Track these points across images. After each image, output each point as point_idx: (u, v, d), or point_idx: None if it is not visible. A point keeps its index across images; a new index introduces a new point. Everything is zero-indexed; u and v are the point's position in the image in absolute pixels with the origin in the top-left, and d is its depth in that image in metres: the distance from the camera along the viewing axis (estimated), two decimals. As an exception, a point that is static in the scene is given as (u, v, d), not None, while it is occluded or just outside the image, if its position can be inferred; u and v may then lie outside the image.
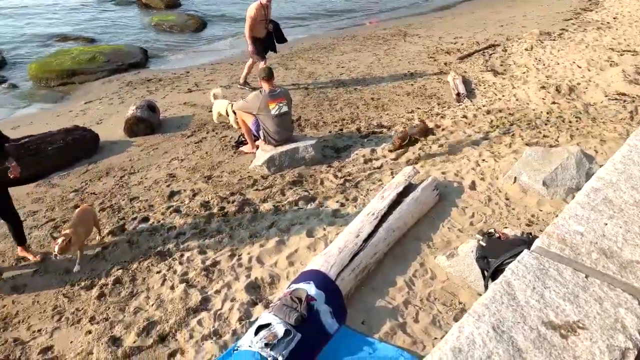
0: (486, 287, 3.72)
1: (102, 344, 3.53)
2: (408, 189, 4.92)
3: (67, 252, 4.24)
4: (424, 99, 8.67)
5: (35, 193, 6.04)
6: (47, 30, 15.28)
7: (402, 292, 3.91)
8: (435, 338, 3.46)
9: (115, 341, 3.57)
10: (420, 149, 6.46)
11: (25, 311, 3.96)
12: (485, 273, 3.74)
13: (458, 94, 8.57)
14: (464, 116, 7.56)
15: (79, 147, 7.04)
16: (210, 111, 8.62)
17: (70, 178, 6.43)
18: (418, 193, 4.85)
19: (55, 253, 4.15)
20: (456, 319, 3.58)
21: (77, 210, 4.80)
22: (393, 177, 5.41)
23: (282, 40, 9.51)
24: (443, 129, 7.11)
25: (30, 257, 4.63)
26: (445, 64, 10.75)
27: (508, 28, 13.72)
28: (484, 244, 3.86)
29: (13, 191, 5.85)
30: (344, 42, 13.45)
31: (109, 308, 3.93)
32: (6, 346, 3.59)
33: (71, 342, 3.61)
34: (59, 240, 4.17)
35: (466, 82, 9.22)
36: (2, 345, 3.60)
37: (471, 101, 8.33)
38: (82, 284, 4.23)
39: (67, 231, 4.28)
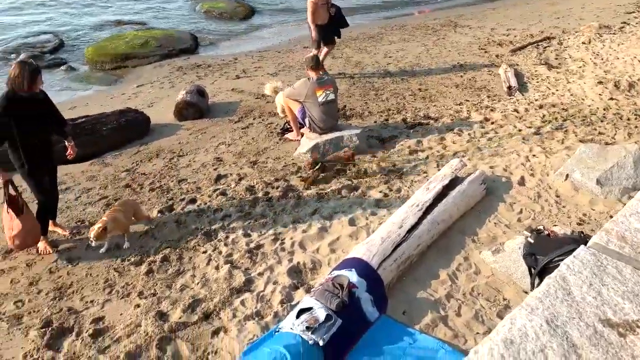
0: (533, 284, 3.63)
1: (149, 317, 3.67)
2: (454, 182, 4.84)
3: (102, 239, 4.37)
4: (474, 91, 8.47)
5: (90, 171, 6.29)
6: (103, 16, 15.80)
7: (444, 285, 3.87)
8: (478, 333, 3.41)
9: (162, 316, 3.70)
10: (468, 141, 6.33)
11: (78, 282, 4.15)
12: (533, 270, 3.64)
13: (509, 87, 8.33)
14: (515, 110, 7.35)
15: (131, 128, 7.29)
16: (257, 98, 8.74)
17: (123, 158, 6.67)
18: (465, 186, 4.77)
19: (92, 239, 4.30)
20: (500, 316, 3.52)
21: (119, 201, 4.99)
22: (439, 170, 5.33)
23: (345, 24, 9.34)
24: (492, 123, 6.94)
25: (60, 230, 4.86)
26: (497, 56, 10.45)
27: (565, 20, 13.19)
28: (532, 241, 3.76)
29: (69, 168, 6.15)
30: (392, 32, 13.28)
31: (157, 284, 4.07)
32: (61, 314, 3.78)
33: (121, 315, 3.76)
34: (95, 227, 4.32)
35: (518, 75, 8.95)
36: (57, 313, 3.79)
37: (523, 95, 8.08)
38: (132, 259, 4.39)
39: (105, 219, 4.43)
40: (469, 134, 6.62)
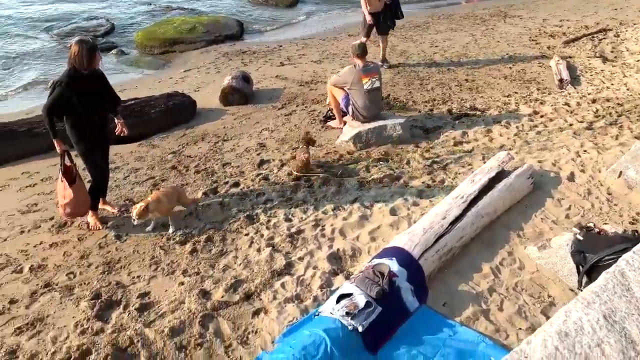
0: (580, 282, 3.53)
1: (193, 295, 3.77)
2: (501, 175, 4.74)
3: (143, 218, 4.47)
4: (523, 84, 8.23)
5: (138, 152, 6.49)
6: (153, 1, 16.14)
7: (487, 279, 3.80)
8: (520, 329, 3.34)
9: (205, 294, 3.79)
10: (516, 134, 6.16)
11: (126, 258, 4.31)
12: (581, 268, 3.54)
13: (561, 80, 8.05)
14: (566, 104, 7.10)
15: (178, 112, 7.45)
16: (301, 85, 8.76)
17: (169, 140, 6.83)
18: (511, 180, 4.66)
19: (134, 218, 4.43)
20: (544, 313, 3.44)
21: (165, 186, 5.12)
22: (484, 162, 5.22)
23: (400, 15, 9.20)
24: (542, 116, 6.73)
25: (109, 208, 5.03)
26: (549, 47, 10.11)
27: (623, 12, 12.60)
28: (580, 238, 3.65)
29: (119, 149, 6.35)
30: (439, 21, 13.04)
31: (200, 263, 4.17)
32: (110, 287, 3.93)
33: (166, 291, 3.88)
34: (137, 206, 4.44)
35: (570, 67, 8.63)
36: (106, 287, 3.94)
37: (575, 88, 7.79)
38: (177, 238, 4.51)
39: (148, 199, 4.54)
40: (516, 127, 6.44)
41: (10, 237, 4.72)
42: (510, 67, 9.08)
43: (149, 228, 4.65)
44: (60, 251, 4.45)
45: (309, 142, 5.78)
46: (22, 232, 4.79)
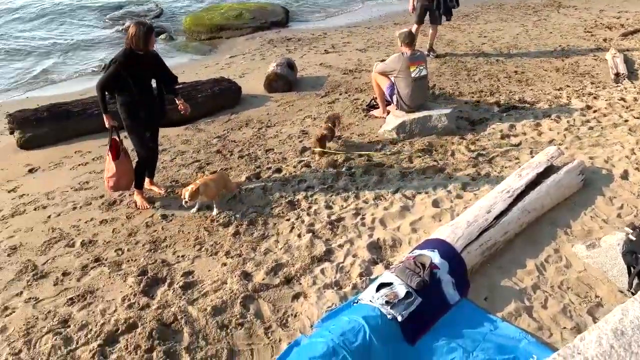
0: (631, 284, 3.41)
1: (235, 276, 3.85)
2: (549, 171, 4.60)
3: (195, 199, 4.59)
4: (575, 77, 7.92)
5: (185, 135, 6.64)
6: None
7: (531, 276, 3.72)
8: (565, 328, 3.26)
9: (247, 276, 3.87)
10: (566, 129, 5.97)
11: (172, 238, 4.44)
12: (632, 269, 3.41)
13: (617, 74, 7.70)
14: (622, 99, 6.79)
15: (224, 97, 7.57)
16: (345, 73, 8.72)
17: (215, 125, 6.96)
18: (560, 176, 4.51)
19: (186, 200, 4.52)
20: (591, 313, 3.35)
21: (213, 173, 5.21)
22: (532, 157, 5.08)
23: (456, 3, 8.94)
24: (595, 111, 6.47)
25: (156, 189, 5.17)
26: (605, 40, 9.68)
27: (688, 3, 11.89)
28: (633, 239, 3.51)
29: (166, 131, 6.51)
30: (488, 11, 12.69)
31: (243, 245, 4.26)
32: (156, 265, 4.07)
33: (209, 271, 3.98)
34: (189, 187, 4.54)
35: (628, 61, 8.24)
36: (152, 264, 4.08)
37: (632, 83, 7.44)
38: (221, 220, 4.61)
39: (198, 182, 4.64)
40: (567, 122, 6.22)
41: (63, 212, 4.94)
42: (562, 60, 8.76)
43: (193, 210, 4.77)
44: (109, 228, 4.63)
45: (335, 120, 5.91)
46: (74, 208, 5.01)
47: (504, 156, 5.48)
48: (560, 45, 9.52)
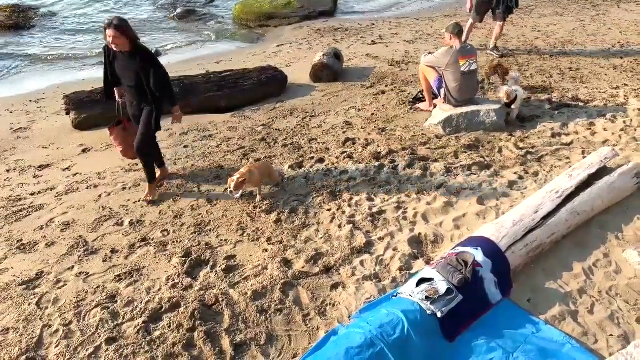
0: (686, 294, 3.25)
1: (275, 262, 3.91)
2: (602, 172, 4.43)
3: (240, 190, 4.66)
4: (635, 75, 7.56)
5: (230, 122, 6.75)
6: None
7: (578, 280, 3.61)
8: (611, 335, 3.16)
9: (287, 263, 3.92)
10: (622, 129, 5.72)
11: (215, 221, 4.54)
12: (688, 279, 3.25)
13: (681, 74, 7.30)
14: (685, 100, 6.44)
15: (270, 86, 7.64)
16: (392, 65, 8.63)
17: (260, 113, 7.04)
18: (614, 178, 4.34)
19: (231, 189, 4.59)
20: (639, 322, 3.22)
21: (258, 162, 5.27)
22: (585, 157, 4.90)
23: (515, 4, 8.51)
24: (655, 112, 6.17)
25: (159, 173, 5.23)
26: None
27: None
28: (691, 247, 3.35)
29: (213, 118, 6.64)
30: (543, 4, 12.25)
31: (284, 233, 4.31)
32: (199, 247, 4.18)
33: (250, 256, 4.06)
34: (235, 178, 4.59)
35: (694, 60, 7.79)
36: (196, 246, 4.19)
37: (697, 83, 7.04)
38: (263, 207, 4.68)
39: (244, 171, 4.68)
40: (624, 122, 5.96)
41: (113, 192, 5.13)
42: (621, 57, 8.37)
43: (237, 195, 4.85)
44: (156, 209, 4.77)
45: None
46: (124, 188, 5.19)
47: (554, 155, 5.30)
48: (619, 42, 9.11)
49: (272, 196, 4.86)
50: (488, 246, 3.60)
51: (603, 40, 9.24)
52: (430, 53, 6.54)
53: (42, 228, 4.56)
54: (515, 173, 5.01)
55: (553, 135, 5.75)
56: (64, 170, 5.78)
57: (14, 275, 3.91)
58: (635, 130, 5.74)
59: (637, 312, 3.33)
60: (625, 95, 6.76)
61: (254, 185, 4.79)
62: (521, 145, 5.57)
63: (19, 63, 10.58)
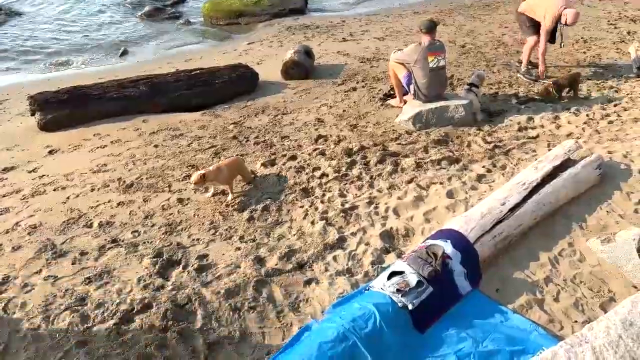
0: (645, 280, 3.38)
1: (248, 260, 3.91)
2: (566, 164, 4.55)
3: (200, 185, 4.65)
4: (597, 70, 7.78)
5: (201, 121, 6.69)
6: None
7: (544, 269, 3.71)
8: (576, 321, 3.26)
9: (260, 260, 3.92)
10: (585, 122, 5.89)
11: (187, 221, 4.50)
12: (647, 265, 3.38)
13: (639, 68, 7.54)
14: (644, 93, 6.67)
15: (241, 83, 7.61)
16: (362, 62, 8.68)
17: (232, 111, 7.00)
18: (577, 169, 4.47)
19: (191, 183, 4.59)
20: (603, 307, 3.34)
21: (228, 158, 5.19)
22: (550, 149, 5.03)
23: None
24: (615, 105, 6.37)
25: None
26: (629, 33, 9.50)
27: None
28: (649, 234, 3.48)
29: (184, 116, 6.58)
30: (510, 1, 12.46)
31: (256, 231, 4.31)
32: (171, 247, 4.14)
33: (223, 254, 4.04)
34: (197, 173, 4.58)
35: (652, 55, 8.05)
36: (168, 246, 4.15)
37: (655, 77, 7.29)
38: (235, 206, 4.66)
39: (210, 168, 4.68)
40: (587, 115, 6.14)
41: (82, 193, 5.04)
42: (584, 52, 8.61)
43: (208, 194, 4.82)
44: (126, 210, 4.70)
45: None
46: (93, 189, 5.10)
47: (520, 149, 5.43)
48: (582, 37, 9.36)
49: (244, 194, 4.85)
50: (457, 238, 3.67)
51: (567, 36, 9.45)
52: (399, 50, 6.61)
53: (7, 232, 4.45)
54: (483, 167, 5.11)
55: (520, 129, 5.89)
56: (29, 172, 5.65)
57: (-21, 281, 3.81)
58: (598, 123, 5.92)
59: (601, 298, 3.45)
60: (588, 89, 6.96)
61: (224, 183, 4.76)
62: (489, 139, 5.68)
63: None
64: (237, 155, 5.55)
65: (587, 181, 4.51)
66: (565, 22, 6.94)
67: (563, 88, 6.68)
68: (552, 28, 7.19)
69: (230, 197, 4.76)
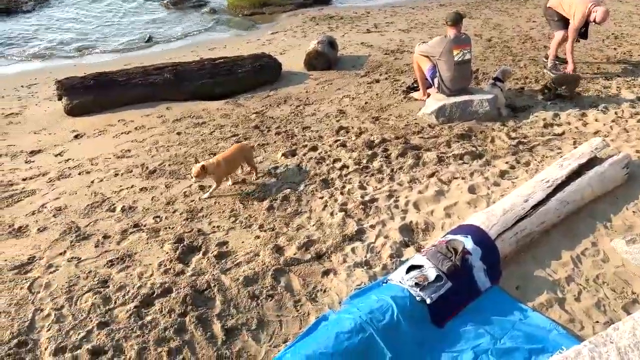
0: (671, 283, 3.30)
1: (267, 249, 3.93)
2: (592, 162, 4.47)
3: (201, 178, 4.57)
4: (628, 66, 7.59)
5: (224, 109, 6.73)
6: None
7: (566, 268, 3.65)
8: (597, 322, 3.20)
9: (279, 249, 3.94)
10: (613, 120, 5.76)
11: (208, 208, 4.54)
12: (673, 268, 3.30)
13: (674, 66, 7.32)
14: (677, 92, 6.48)
15: (264, 73, 7.62)
16: (386, 54, 8.61)
17: (254, 100, 7.02)
18: (604, 168, 4.38)
19: (192, 176, 4.56)
20: (626, 309, 3.28)
21: (234, 144, 5.10)
22: (576, 147, 4.93)
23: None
24: (646, 103, 6.21)
25: None
26: (663, 28, 9.20)
27: None
28: (677, 236, 3.39)
29: (207, 105, 6.62)
30: (540, -6, 12.22)
31: (276, 220, 4.32)
32: (192, 234, 4.18)
33: (242, 242, 4.07)
34: (197, 166, 4.52)
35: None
36: (188, 232, 4.20)
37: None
38: (256, 195, 4.69)
39: (211, 160, 4.63)
40: (615, 113, 6.00)
41: (105, 178, 5.12)
42: (615, 49, 8.40)
43: (229, 183, 4.85)
44: (149, 195, 4.77)
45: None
46: (116, 174, 5.18)
47: (545, 145, 5.34)
48: (613, 33, 9.13)
49: (264, 184, 4.87)
50: (478, 234, 3.63)
51: (597, 31, 9.23)
52: (424, 42, 6.53)
53: (34, 213, 4.55)
54: (506, 163, 5.04)
55: (545, 126, 5.79)
56: (56, 155, 5.76)
57: (6, 260, 3.91)
58: (627, 121, 5.78)
59: (624, 300, 3.38)
60: (617, 87, 6.80)
61: (224, 174, 4.68)
62: (513, 135, 5.60)
63: (10, 47, 10.48)
64: (258, 145, 5.55)
65: (614, 180, 4.42)
66: (594, 20, 6.78)
67: (560, 86, 6.48)
68: (581, 26, 7.01)
69: (205, 195, 4.67)
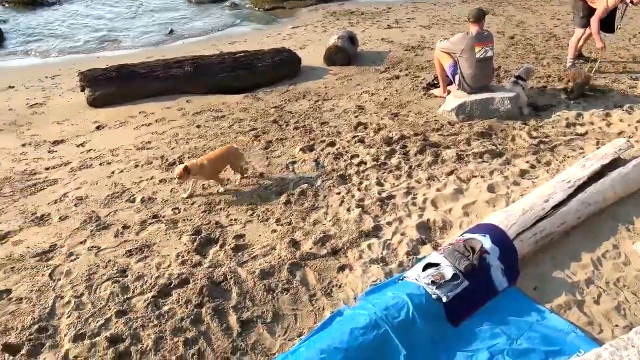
0: (695, 288, 3.23)
1: (284, 243, 3.95)
2: (616, 163, 4.38)
3: (184, 180, 4.51)
4: (655, 67, 7.42)
5: (243, 103, 6.76)
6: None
7: (585, 270, 3.60)
8: (617, 325, 3.15)
9: (295, 244, 3.96)
10: (639, 121, 5.63)
11: (226, 202, 4.57)
12: (697, 273, 3.23)
13: (702, 66, 7.13)
14: None
15: (284, 67, 7.63)
16: (407, 50, 8.55)
17: (273, 95, 7.04)
18: (628, 169, 4.29)
19: (175, 177, 4.49)
20: (646, 313, 3.21)
21: (223, 146, 5.02)
22: (599, 147, 4.84)
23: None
24: (675, 104, 6.07)
25: None
26: (692, 27, 8.97)
27: None
28: (702, 241, 3.31)
29: (226, 98, 6.66)
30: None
31: (293, 215, 4.34)
32: (209, 226, 4.22)
33: (259, 236, 4.10)
34: (179, 167, 4.46)
35: None
36: (206, 225, 4.23)
37: None
38: (274, 189, 4.71)
39: (194, 161, 4.57)
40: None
41: (126, 169, 5.19)
42: (642, 47, 8.21)
43: (220, 190, 4.81)
44: (168, 187, 4.82)
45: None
46: (137, 166, 5.24)
47: (567, 145, 5.25)
48: (640, 32, 8.93)
49: (282, 178, 4.88)
50: (496, 234, 3.59)
51: (624, 30, 9.04)
52: (446, 39, 6.47)
53: (55, 202, 4.64)
54: (527, 162, 4.97)
55: (567, 125, 5.69)
56: (78, 146, 5.86)
57: (28, 247, 3.99)
58: (652, 122, 5.66)
59: (645, 304, 3.32)
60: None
61: (208, 176, 4.65)
62: (534, 134, 5.52)
63: (35, 38, 10.66)
64: (277, 139, 5.57)
65: (638, 182, 4.34)
66: (632, 0, 6.56)
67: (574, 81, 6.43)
68: (612, 10, 6.75)
69: (220, 189, 4.68)
